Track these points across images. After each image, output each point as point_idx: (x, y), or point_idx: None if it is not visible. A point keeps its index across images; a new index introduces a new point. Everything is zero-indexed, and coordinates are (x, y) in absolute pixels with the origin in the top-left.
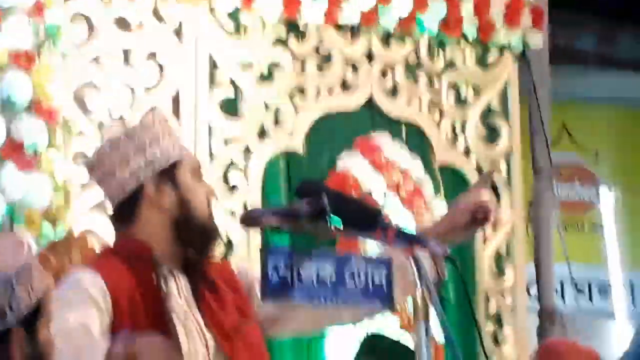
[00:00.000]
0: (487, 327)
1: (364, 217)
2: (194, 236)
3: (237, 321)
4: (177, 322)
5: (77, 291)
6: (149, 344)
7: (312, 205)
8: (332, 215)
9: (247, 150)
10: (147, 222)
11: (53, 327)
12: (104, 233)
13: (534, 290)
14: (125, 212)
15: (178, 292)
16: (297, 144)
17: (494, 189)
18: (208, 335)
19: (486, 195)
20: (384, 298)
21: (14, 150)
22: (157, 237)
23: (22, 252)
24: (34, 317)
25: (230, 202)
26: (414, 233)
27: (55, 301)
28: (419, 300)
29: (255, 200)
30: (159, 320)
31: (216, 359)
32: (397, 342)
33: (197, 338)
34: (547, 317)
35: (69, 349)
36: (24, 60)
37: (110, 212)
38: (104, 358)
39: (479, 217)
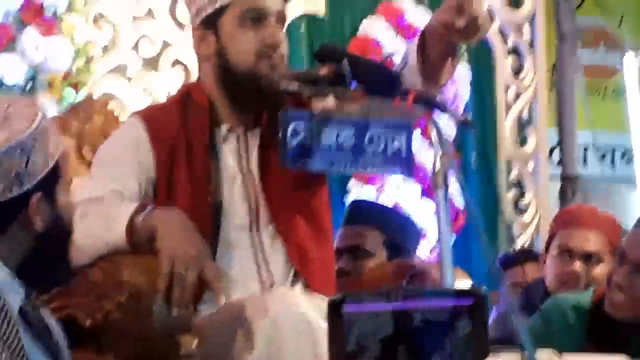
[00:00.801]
0: (509, 194)
1: (384, 81)
2: (237, 88)
3: (289, 189)
4: (228, 184)
5: (116, 145)
6: (166, 219)
7: (331, 69)
8: (351, 79)
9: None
10: (202, 71)
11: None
12: (125, 97)
13: (556, 157)
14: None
15: (238, 152)
16: (319, 8)
17: None
18: (261, 201)
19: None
20: (404, 163)
21: (34, 13)
22: (210, 89)
23: (35, 116)
24: (52, 180)
25: None
26: (433, 97)
27: (101, 150)
28: (438, 166)
29: None
30: (201, 177)
31: (266, 225)
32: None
33: (240, 203)
34: (569, 183)
35: (96, 213)
36: None
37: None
38: (128, 227)
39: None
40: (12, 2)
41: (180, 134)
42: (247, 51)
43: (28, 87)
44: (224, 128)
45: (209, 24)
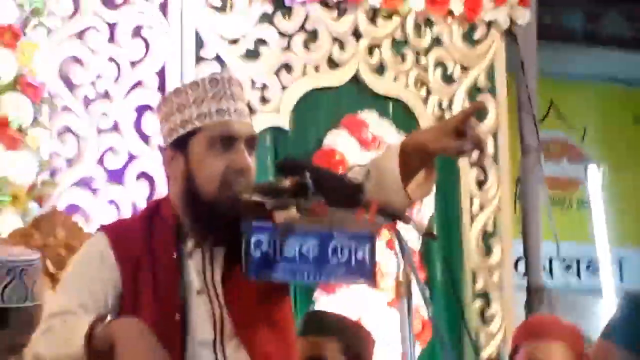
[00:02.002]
0: (475, 305)
1: (347, 193)
2: (200, 213)
3: (257, 306)
4: (192, 298)
5: (83, 260)
6: (125, 328)
7: (294, 181)
8: (314, 191)
9: None
10: (171, 189)
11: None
12: (90, 209)
13: (522, 268)
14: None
15: (203, 268)
16: (284, 121)
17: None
18: (225, 317)
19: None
20: (367, 273)
21: (0, 127)
22: (177, 207)
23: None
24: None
25: None
26: (397, 210)
27: (70, 266)
28: (402, 277)
29: None
30: (168, 293)
31: (230, 340)
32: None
33: (205, 318)
34: (535, 294)
35: (55, 329)
36: (9, 36)
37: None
38: (86, 339)
39: (469, 136)
40: None
41: (145, 250)
42: (213, 176)
43: None
44: (189, 244)
45: (179, 145)
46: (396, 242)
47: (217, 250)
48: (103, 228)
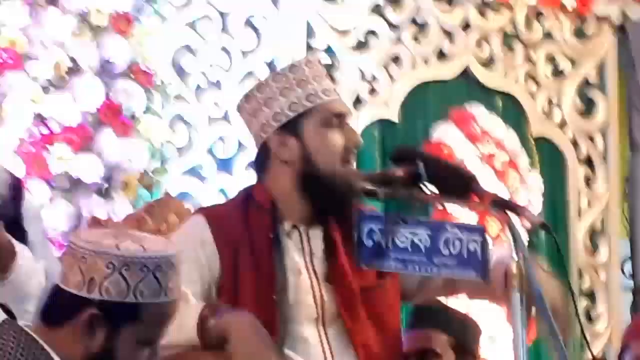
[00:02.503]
0: (580, 303)
1: (460, 184)
2: (321, 191)
3: (371, 283)
4: (291, 278)
5: (184, 245)
6: (240, 323)
7: (407, 170)
8: (427, 180)
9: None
10: (275, 175)
11: None
12: (200, 197)
13: (628, 268)
14: (259, 161)
15: (303, 249)
16: (392, 113)
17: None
18: (328, 298)
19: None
20: (479, 267)
21: (112, 114)
22: (283, 190)
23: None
24: None
25: None
26: (510, 200)
27: None
28: (515, 269)
29: None
30: (265, 274)
31: (332, 323)
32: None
33: (307, 297)
34: None
35: None
36: (123, 23)
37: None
38: (199, 328)
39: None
40: (91, 102)
41: (243, 234)
42: (335, 153)
43: (104, 187)
44: (286, 225)
45: (289, 128)
46: (509, 234)
47: (314, 232)
48: (202, 211)
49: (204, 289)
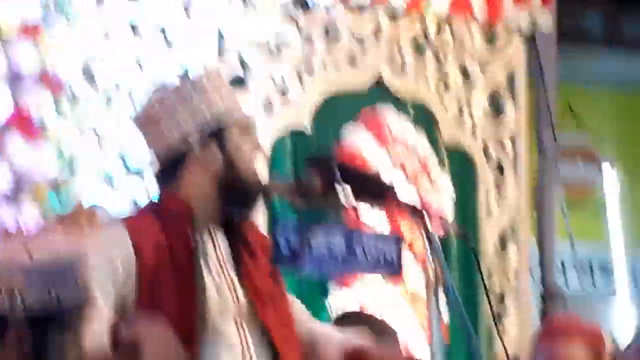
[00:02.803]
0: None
1: (376, 191)
2: (238, 196)
3: (271, 287)
4: (209, 279)
5: (99, 253)
6: (150, 332)
7: (323, 177)
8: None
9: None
10: (191, 182)
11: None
12: (111, 205)
13: (536, 271)
14: (170, 170)
15: (215, 251)
16: (304, 122)
17: None
18: (241, 296)
19: None
20: (393, 264)
21: (21, 121)
22: (199, 196)
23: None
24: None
25: None
26: (426, 208)
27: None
28: (432, 275)
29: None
30: (187, 278)
31: (248, 320)
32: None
33: (228, 297)
34: (549, 297)
35: None
36: (32, 31)
37: (155, 169)
38: (110, 334)
39: None
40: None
41: (161, 240)
42: (252, 161)
43: (13, 194)
44: (203, 224)
45: (211, 139)
46: (426, 240)
47: (221, 235)
48: (118, 220)
49: (117, 300)
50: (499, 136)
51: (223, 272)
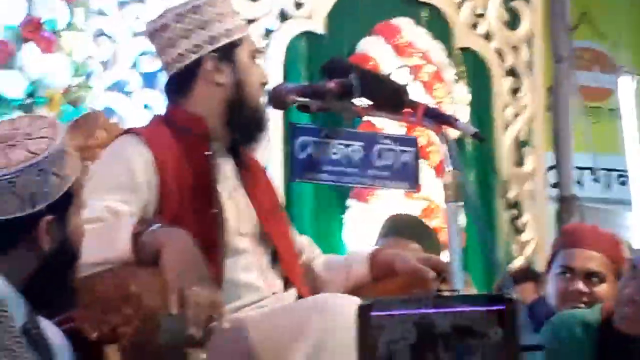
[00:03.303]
0: (507, 214)
1: (392, 95)
2: (244, 119)
3: (274, 207)
4: (226, 195)
5: (118, 161)
6: (172, 239)
7: (339, 82)
8: (359, 93)
9: (268, 32)
10: (202, 98)
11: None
12: (125, 112)
13: (552, 178)
14: (181, 84)
15: (226, 169)
16: (318, 26)
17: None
18: (254, 215)
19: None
20: (411, 177)
21: (34, 29)
22: (209, 113)
23: (55, 137)
24: (65, 203)
25: None
26: (443, 112)
27: (97, 167)
28: (450, 181)
29: (276, 83)
30: (206, 193)
31: (260, 238)
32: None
33: (245, 212)
34: (565, 204)
35: (95, 232)
36: None
37: (165, 81)
38: (132, 243)
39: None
40: (12, 17)
41: (178, 154)
42: (257, 85)
43: (27, 102)
44: (217, 146)
45: (223, 54)
46: (444, 146)
47: (227, 156)
48: (134, 130)
49: (139, 208)
50: (514, 41)
51: (237, 189)
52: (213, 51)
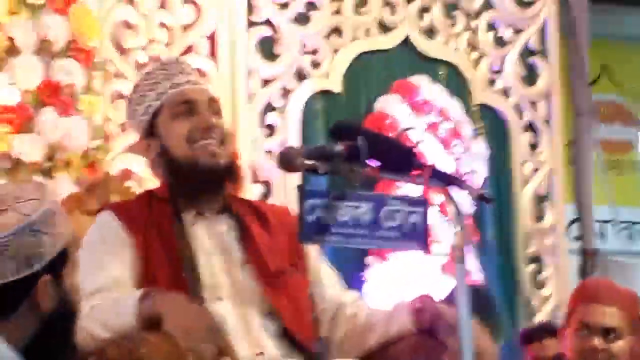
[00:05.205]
0: (528, 269)
1: (399, 157)
2: (185, 177)
3: (284, 267)
4: (203, 260)
5: (96, 238)
6: (168, 302)
7: (347, 145)
8: (367, 155)
9: (285, 91)
10: (156, 175)
11: (79, 274)
12: (143, 173)
13: (574, 232)
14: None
15: (210, 233)
16: (335, 85)
17: None
18: (242, 278)
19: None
20: (420, 238)
21: (52, 93)
22: (167, 186)
23: (44, 198)
24: (60, 262)
25: (269, 143)
26: (449, 173)
27: (84, 248)
28: (456, 241)
29: (294, 141)
30: (173, 256)
31: (253, 301)
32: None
33: (221, 277)
34: (588, 258)
35: (101, 309)
36: (61, 1)
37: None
38: (135, 314)
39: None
40: (30, 82)
41: (149, 222)
42: (179, 139)
43: (46, 166)
44: (189, 213)
45: (149, 132)
46: (450, 207)
47: (221, 217)
48: (108, 207)
49: (130, 275)
50: (532, 96)
51: (221, 254)
52: (142, 133)
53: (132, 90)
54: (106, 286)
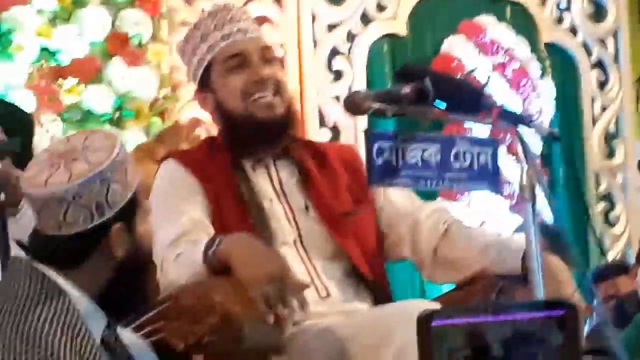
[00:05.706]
0: (598, 207)
1: (467, 98)
2: (240, 131)
3: (350, 207)
4: (267, 205)
5: (167, 187)
6: (235, 246)
7: (414, 87)
8: (434, 97)
9: (350, 35)
10: (216, 124)
11: (152, 222)
12: (210, 122)
13: None
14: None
15: (270, 179)
16: (400, 28)
17: None
18: (303, 222)
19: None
20: (490, 179)
21: (120, 44)
22: (225, 132)
23: (113, 147)
24: (131, 210)
25: (336, 88)
26: (518, 112)
27: (156, 196)
28: (525, 180)
29: (360, 85)
30: (238, 202)
31: (319, 244)
32: None
33: (282, 222)
34: None
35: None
36: None
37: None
38: (203, 260)
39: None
40: (98, 34)
41: (213, 169)
42: (234, 94)
43: (116, 116)
44: (249, 160)
45: (204, 84)
46: (519, 146)
47: (282, 163)
48: (170, 156)
49: (207, 219)
50: (600, 33)
51: (280, 200)
52: (197, 85)
53: (184, 41)
54: (188, 229)
